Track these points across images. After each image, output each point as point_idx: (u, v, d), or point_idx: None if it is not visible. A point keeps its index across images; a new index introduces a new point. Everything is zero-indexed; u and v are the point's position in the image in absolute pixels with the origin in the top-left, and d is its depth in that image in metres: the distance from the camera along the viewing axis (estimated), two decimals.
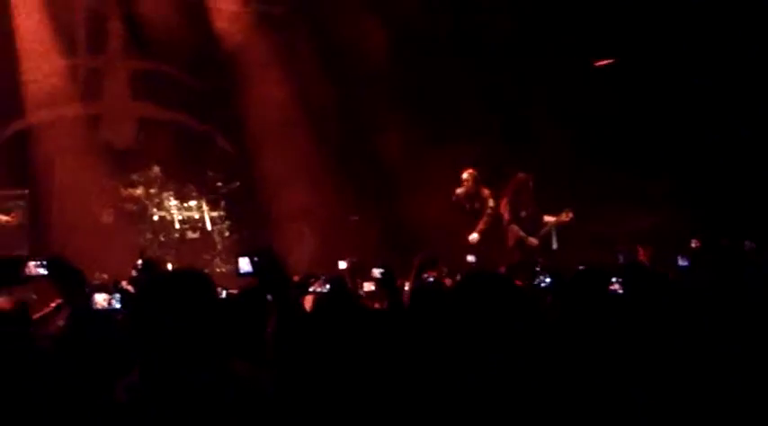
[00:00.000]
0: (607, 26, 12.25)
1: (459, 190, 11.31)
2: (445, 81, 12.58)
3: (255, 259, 3.66)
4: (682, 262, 7.13)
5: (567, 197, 11.26)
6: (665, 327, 3.55)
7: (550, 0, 12.60)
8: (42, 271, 4.01)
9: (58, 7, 11.91)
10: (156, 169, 12.05)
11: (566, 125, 12.08)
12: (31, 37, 11.70)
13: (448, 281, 7.20)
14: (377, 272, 5.48)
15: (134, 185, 12.05)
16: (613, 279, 3.87)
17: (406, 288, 6.72)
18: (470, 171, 11.24)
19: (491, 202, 11.14)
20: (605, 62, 12.89)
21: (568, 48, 12.50)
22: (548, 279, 5.44)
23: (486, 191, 11.24)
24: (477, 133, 11.96)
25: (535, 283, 5.71)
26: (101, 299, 4.26)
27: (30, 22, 11.67)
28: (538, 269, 8.73)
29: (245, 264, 3.75)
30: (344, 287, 5.96)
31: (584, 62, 12.91)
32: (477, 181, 11.22)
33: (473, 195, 11.23)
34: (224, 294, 5.75)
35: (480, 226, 11.06)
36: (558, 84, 12.42)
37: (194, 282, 2.91)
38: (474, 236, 10.95)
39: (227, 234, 12.28)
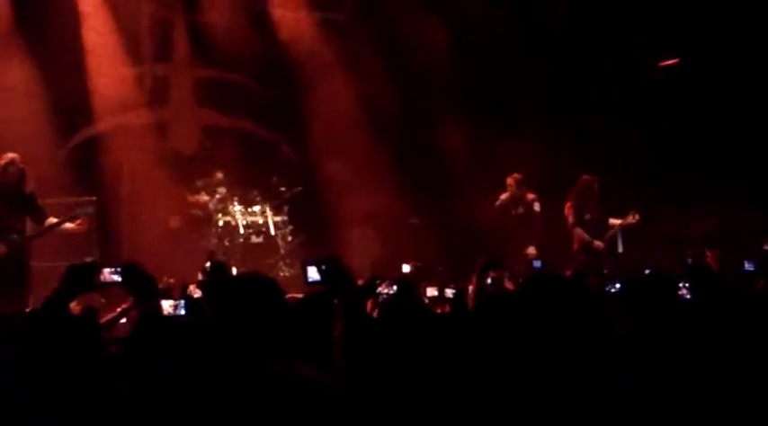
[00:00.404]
0: (673, 25, 12.07)
1: (503, 196, 11.28)
2: (509, 82, 12.54)
3: (323, 267, 3.69)
4: (747, 266, 6.95)
5: (633, 198, 11.10)
6: (728, 334, 3.47)
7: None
8: (116, 278, 4.10)
9: (125, 16, 12.14)
10: (221, 175, 12.20)
11: (632, 125, 11.94)
12: (98, 45, 11.92)
13: (509, 285, 7.15)
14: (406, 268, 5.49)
15: (200, 191, 12.23)
16: (680, 284, 3.80)
17: (470, 291, 6.71)
18: (515, 176, 11.19)
19: (537, 206, 11.06)
20: (671, 62, 12.71)
21: (634, 47, 12.36)
22: (618, 285, 5.36)
23: (530, 195, 11.17)
24: (541, 134, 11.87)
25: (606, 289, 5.63)
26: (167, 306, 4.33)
27: (97, 30, 11.90)
28: (605, 272, 8.65)
29: (313, 273, 3.78)
30: (412, 289, 5.97)
31: (651, 62, 12.75)
32: (522, 185, 11.15)
33: (517, 199, 11.17)
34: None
35: (535, 236, 11.01)
36: (625, 83, 12.29)
37: (262, 286, 2.94)
38: (532, 250, 10.87)
39: (290, 238, 12.38)
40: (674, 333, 3.45)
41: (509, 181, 11.22)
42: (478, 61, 12.82)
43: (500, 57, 12.61)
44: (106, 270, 4.07)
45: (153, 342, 3.90)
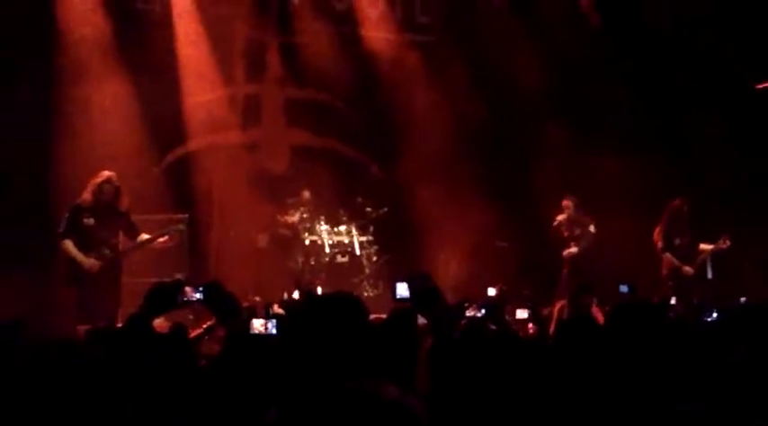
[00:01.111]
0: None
1: (560, 217, 11.42)
2: (602, 105, 12.42)
3: (413, 284, 3.71)
4: None
5: (725, 223, 10.82)
6: None
7: (713, 19, 12.21)
8: (198, 296, 4.20)
9: (219, 37, 12.42)
10: (308, 194, 12.34)
11: (728, 148, 11.67)
12: (192, 66, 12.22)
13: (597, 311, 7.05)
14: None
15: (288, 210, 12.39)
16: None
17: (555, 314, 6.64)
18: (572, 198, 11.36)
19: (592, 228, 11.27)
20: (767, 84, 12.37)
21: (731, 69, 12.09)
22: (714, 314, 5.21)
23: (587, 218, 11.34)
24: (635, 156, 11.70)
25: (702, 318, 5.48)
26: (258, 325, 4.39)
27: (192, 51, 12.19)
28: (694, 300, 8.43)
29: (402, 289, 3.81)
30: (499, 312, 5.94)
31: (747, 84, 12.44)
32: (579, 207, 11.32)
33: (574, 221, 11.31)
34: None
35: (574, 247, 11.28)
36: (720, 106, 12.03)
37: (347, 305, 2.97)
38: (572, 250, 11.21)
39: (375, 258, 12.44)
40: None
41: (565, 203, 11.40)
42: (572, 83, 12.72)
43: (593, 73, 12.50)
44: (188, 289, 4.17)
45: (242, 361, 3.98)
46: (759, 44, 11.86)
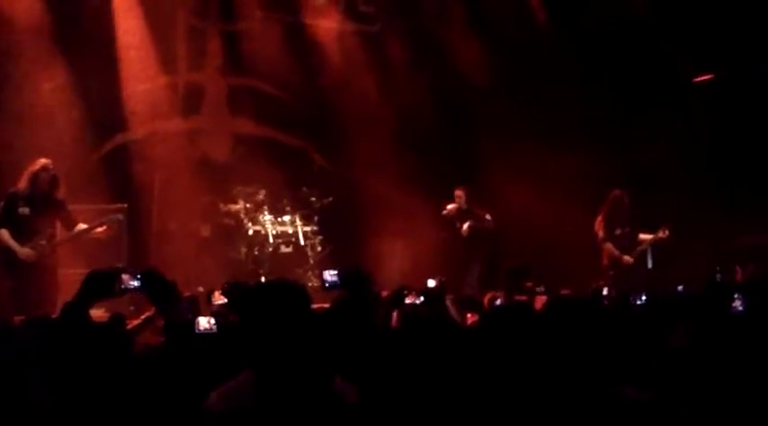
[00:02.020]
0: (707, 41, 11.95)
1: (450, 206, 11.59)
2: (546, 98, 12.53)
3: (342, 272, 3.69)
4: None
5: (664, 213, 10.98)
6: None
7: (653, 15, 12.39)
8: (136, 284, 4.11)
9: (159, 24, 12.23)
10: (251, 184, 12.21)
11: (668, 140, 11.84)
12: (132, 54, 12.02)
13: (540, 301, 7.07)
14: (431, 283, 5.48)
15: (230, 200, 12.25)
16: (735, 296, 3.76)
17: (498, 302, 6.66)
18: (464, 188, 11.55)
19: (488, 216, 11.42)
20: (705, 77, 12.59)
21: (669, 62, 12.27)
22: (643, 297, 5.33)
23: (480, 210, 11.54)
24: (577, 148, 11.80)
25: (631, 302, 5.59)
26: (204, 322, 4.31)
27: (132, 37, 11.99)
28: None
29: (329, 276, 3.79)
30: (439, 300, 5.94)
31: (685, 77, 12.65)
32: (471, 198, 11.53)
33: (465, 211, 11.50)
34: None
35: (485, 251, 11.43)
36: (660, 98, 12.20)
37: (288, 292, 2.93)
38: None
39: (319, 248, 12.36)
40: (726, 345, 3.43)
41: (458, 192, 11.55)
42: (515, 73, 12.80)
43: (537, 65, 12.60)
44: (125, 276, 4.08)
45: (183, 350, 3.91)
46: (696, 39, 12.04)
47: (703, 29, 11.94)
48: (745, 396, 3.08)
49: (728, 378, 3.25)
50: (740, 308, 3.55)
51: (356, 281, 3.71)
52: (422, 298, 5.77)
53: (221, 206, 12.22)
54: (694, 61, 12.47)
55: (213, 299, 6.19)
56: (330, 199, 12.47)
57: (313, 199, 12.42)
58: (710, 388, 3.20)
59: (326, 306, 6.14)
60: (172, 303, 4.10)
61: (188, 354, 3.94)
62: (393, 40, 13.26)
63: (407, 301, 5.73)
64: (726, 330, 3.53)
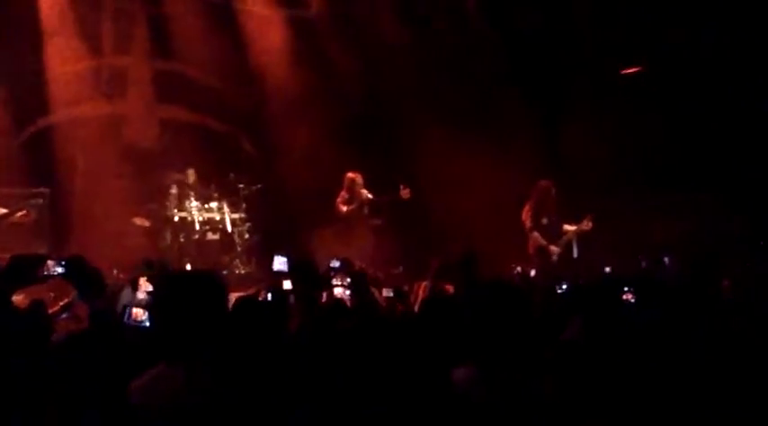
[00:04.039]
0: (635, 34, 12.17)
1: (344, 192, 11.48)
2: (474, 84, 12.60)
3: (291, 259, 3.68)
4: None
5: (590, 205, 11.17)
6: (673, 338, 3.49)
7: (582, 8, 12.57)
8: (60, 270, 4.03)
9: (84, 6, 11.97)
10: (179, 170, 12.04)
11: (593, 132, 12.03)
12: (56, 35, 11.74)
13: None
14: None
15: (156, 186, 12.06)
16: (626, 289, 3.83)
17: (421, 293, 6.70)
18: (357, 172, 11.47)
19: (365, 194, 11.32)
20: (632, 70, 12.83)
21: (597, 56, 12.46)
22: (564, 286, 5.44)
23: (365, 194, 11.45)
24: (503, 137, 11.92)
25: (554, 289, 5.70)
26: (140, 312, 4.23)
27: (56, 20, 11.71)
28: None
29: (280, 263, 3.77)
30: (363, 282, 5.96)
31: (612, 70, 12.86)
32: (359, 184, 11.43)
33: (353, 197, 11.41)
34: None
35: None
36: (587, 91, 12.38)
37: (203, 282, 2.90)
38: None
39: (246, 236, 12.27)
40: (617, 336, 3.50)
41: (350, 176, 11.44)
42: (447, 62, 12.85)
43: (467, 60, 12.67)
44: (50, 263, 4.01)
45: (107, 337, 3.84)
46: (624, 32, 12.25)
47: (630, 21, 12.13)
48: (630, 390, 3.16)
49: (616, 371, 3.33)
50: (632, 301, 3.62)
51: (304, 269, 3.71)
52: (348, 280, 5.82)
53: (145, 191, 12.03)
54: (622, 54, 12.68)
55: (139, 287, 6.08)
56: (259, 186, 12.38)
57: (241, 185, 12.32)
58: (600, 382, 3.29)
59: (251, 292, 6.12)
60: (96, 290, 4.03)
61: (112, 343, 3.87)
62: (327, 27, 13.19)
63: (335, 282, 5.79)
64: (616, 323, 3.59)
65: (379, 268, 9.79)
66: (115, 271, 8.86)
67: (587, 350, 3.19)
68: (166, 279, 2.92)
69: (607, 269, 8.97)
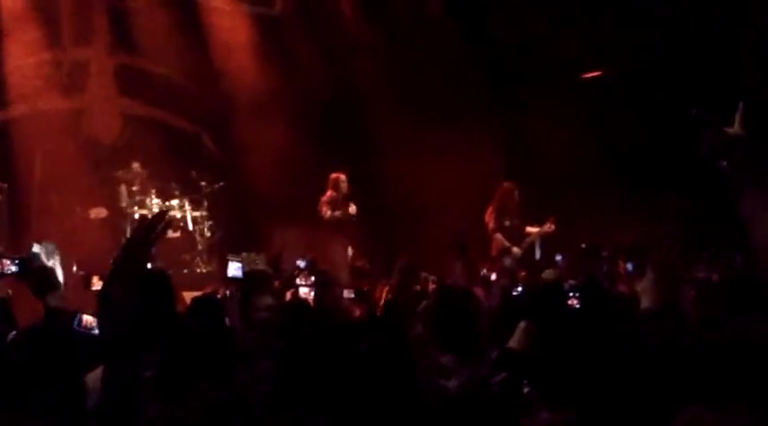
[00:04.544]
0: (595, 38, 12.24)
1: (331, 192, 11.10)
2: (440, 87, 12.60)
3: (244, 266, 3.64)
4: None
5: (554, 207, 11.22)
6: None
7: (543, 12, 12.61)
8: (14, 269, 3.94)
9: None
10: (138, 166, 11.87)
11: (556, 135, 12.07)
12: (14, 28, 11.55)
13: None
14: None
15: (117, 182, 11.90)
16: (571, 294, 3.84)
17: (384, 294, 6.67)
18: (342, 175, 11.10)
19: (352, 209, 10.96)
20: (593, 74, 12.92)
21: (559, 59, 12.52)
22: (519, 289, 5.48)
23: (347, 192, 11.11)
24: (467, 139, 11.93)
25: (512, 292, 5.72)
26: (90, 319, 4.15)
27: (13, 11, 11.52)
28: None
29: (235, 269, 3.72)
30: (328, 288, 5.94)
31: (573, 74, 12.93)
32: (345, 184, 11.06)
33: (338, 201, 11.03)
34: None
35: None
36: (549, 94, 12.42)
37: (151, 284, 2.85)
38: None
39: (208, 234, 12.16)
40: (561, 341, 3.52)
41: (341, 177, 11.07)
42: (410, 59, 12.85)
43: (432, 60, 12.68)
44: (5, 261, 3.91)
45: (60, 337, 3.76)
46: (585, 37, 12.31)
47: (593, 26, 12.20)
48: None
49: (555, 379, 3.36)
50: (576, 306, 3.62)
51: (257, 278, 3.67)
52: (312, 279, 5.81)
53: (105, 188, 11.87)
54: (583, 58, 12.75)
55: (91, 285, 5.98)
56: (221, 184, 12.27)
57: (203, 183, 12.20)
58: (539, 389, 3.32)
59: (208, 291, 6.05)
60: (51, 289, 3.94)
61: (65, 342, 3.79)
62: (291, 24, 13.13)
63: (298, 281, 5.78)
64: (561, 329, 3.60)
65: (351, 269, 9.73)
66: (74, 268, 8.70)
67: (528, 356, 3.20)
68: (112, 278, 2.85)
69: (558, 257, 9.05)
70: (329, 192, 11.06)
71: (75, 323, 3.81)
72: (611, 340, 2.18)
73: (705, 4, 11.53)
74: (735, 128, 2.59)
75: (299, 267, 6.42)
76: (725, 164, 2.61)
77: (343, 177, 11.11)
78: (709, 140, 2.61)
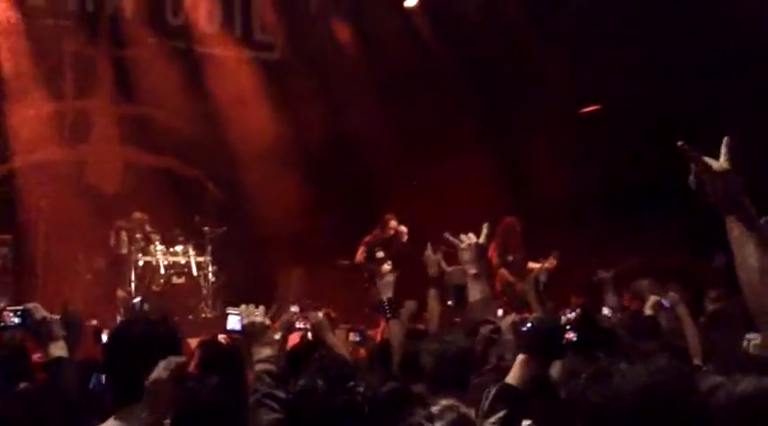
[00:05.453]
0: (592, 73, 12.33)
1: (376, 232, 11.37)
2: (439, 124, 12.67)
3: (245, 319, 3.65)
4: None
5: (557, 242, 11.22)
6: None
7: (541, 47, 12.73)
8: (17, 321, 3.96)
9: (44, 50, 11.94)
10: (141, 214, 11.90)
11: (556, 169, 12.12)
12: (16, 79, 11.68)
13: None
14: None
15: (121, 230, 11.93)
16: (568, 328, 3.85)
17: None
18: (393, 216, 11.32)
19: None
20: (591, 108, 12.99)
21: (557, 93, 12.60)
22: (528, 325, 5.45)
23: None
24: (469, 176, 11.97)
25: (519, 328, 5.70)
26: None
27: (15, 64, 11.66)
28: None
29: (234, 322, 3.73)
30: (324, 333, 5.94)
31: (571, 108, 13.01)
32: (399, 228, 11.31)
33: (389, 240, 11.27)
34: None
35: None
36: (548, 129, 12.49)
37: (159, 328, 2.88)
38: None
39: (212, 279, 12.16)
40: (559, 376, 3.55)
41: (393, 223, 11.31)
42: (411, 100, 12.94)
43: (430, 98, 12.77)
44: (6, 313, 3.93)
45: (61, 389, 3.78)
46: (583, 72, 12.40)
47: (590, 60, 12.29)
48: None
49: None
50: (574, 339, 3.63)
51: (257, 330, 3.70)
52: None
53: (110, 236, 11.90)
54: (581, 92, 12.84)
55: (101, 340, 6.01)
56: (224, 228, 12.31)
57: (206, 228, 12.23)
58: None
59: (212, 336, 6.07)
60: (52, 340, 3.96)
61: (65, 396, 3.82)
62: (291, 69, 13.26)
63: (298, 325, 5.79)
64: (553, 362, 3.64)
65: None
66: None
67: (527, 393, 3.23)
68: (120, 327, 2.91)
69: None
70: (375, 231, 11.30)
71: (92, 383, 3.84)
72: (608, 374, 2.19)
73: (707, 45, 11.59)
74: (720, 162, 2.63)
75: (294, 313, 6.43)
76: (710, 196, 2.66)
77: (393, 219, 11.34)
78: (696, 174, 2.66)
